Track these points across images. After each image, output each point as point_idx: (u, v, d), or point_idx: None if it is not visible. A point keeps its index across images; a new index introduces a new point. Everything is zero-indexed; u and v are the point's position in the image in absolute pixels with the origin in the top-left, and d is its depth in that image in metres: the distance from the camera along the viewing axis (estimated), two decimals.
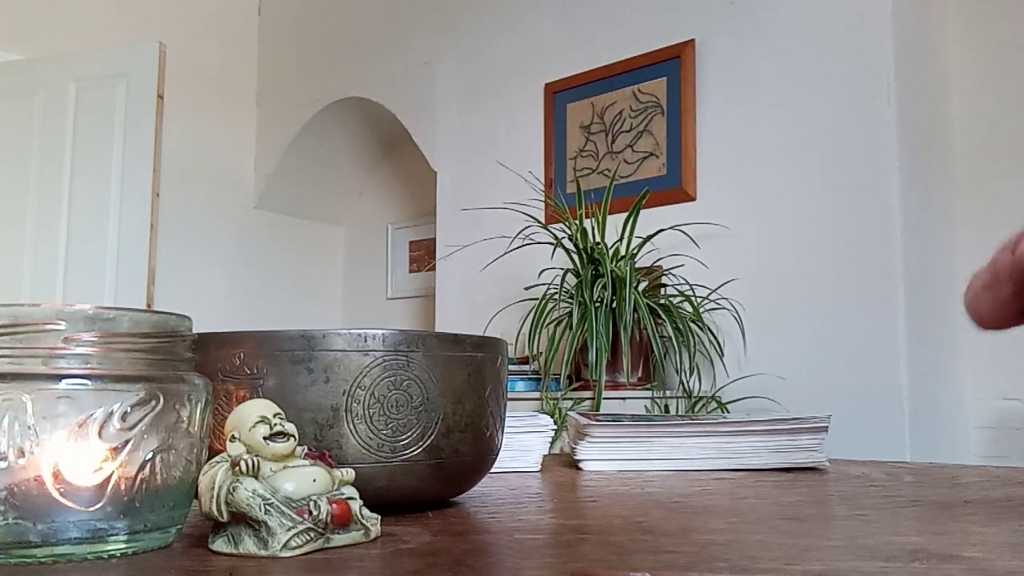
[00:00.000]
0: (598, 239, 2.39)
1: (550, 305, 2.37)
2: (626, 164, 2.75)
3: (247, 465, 0.41)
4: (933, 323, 2.33)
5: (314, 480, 0.43)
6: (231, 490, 0.41)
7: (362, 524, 0.44)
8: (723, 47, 2.58)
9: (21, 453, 0.38)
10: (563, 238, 2.45)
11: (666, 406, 2.26)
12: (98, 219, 2.97)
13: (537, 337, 2.34)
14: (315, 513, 0.41)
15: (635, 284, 2.30)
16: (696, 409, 2.25)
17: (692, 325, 2.34)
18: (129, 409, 0.40)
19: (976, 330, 0.32)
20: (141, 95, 2.98)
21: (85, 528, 0.39)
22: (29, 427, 0.38)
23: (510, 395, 1.48)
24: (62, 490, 0.39)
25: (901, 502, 0.60)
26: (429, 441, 0.54)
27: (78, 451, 0.39)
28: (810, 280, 2.34)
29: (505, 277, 2.81)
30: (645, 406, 2.25)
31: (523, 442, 0.85)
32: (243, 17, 3.89)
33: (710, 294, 2.43)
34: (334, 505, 0.42)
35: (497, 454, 0.61)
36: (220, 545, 0.41)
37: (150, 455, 0.41)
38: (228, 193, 3.78)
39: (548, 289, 2.39)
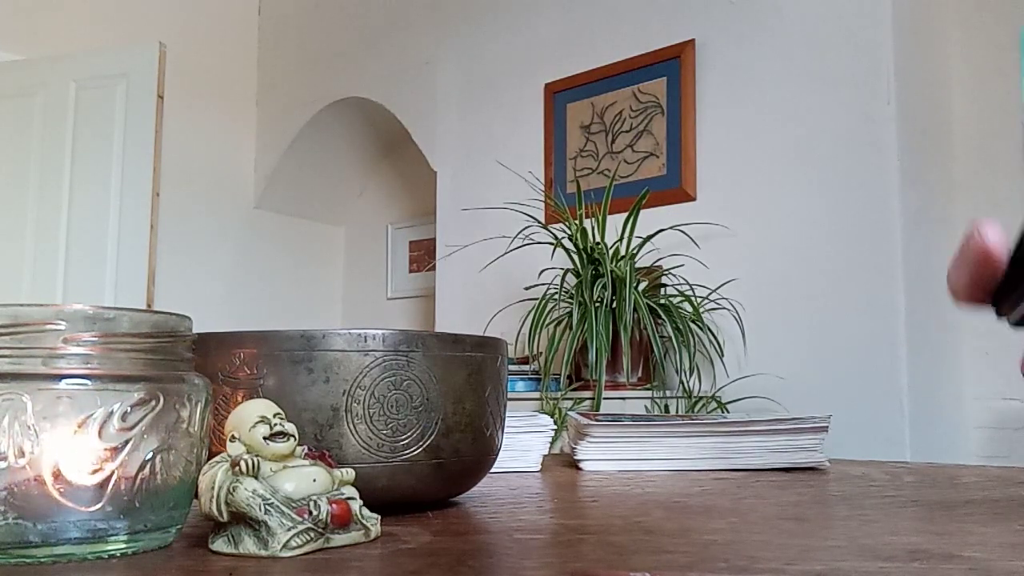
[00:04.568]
0: (598, 239, 2.39)
1: (550, 305, 2.37)
2: (626, 164, 2.75)
3: (247, 465, 0.41)
4: (933, 323, 2.33)
5: (314, 480, 0.43)
6: (231, 490, 0.41)
7: (362, 524, 0.44)
8: (723, 47, 2.58)
9: (21, 453, 0.38)
10: (563, 238, 2.45)
11: (666, 406, 2.26)
12: (98, 219, 2.97)
13: (537, 337, 2.34)
14: (315, 513, 0.41)
15: (635, 284, 2.30)
16: (696, 409, 2.25)
17: (692, 325, 2.34)
18: (129, 409, 0.40)
19: (954, 303, 0.34)
20: (141, 95, 2.98)
21: (85, 528, 0.39)
22: (29, 427, 0.38)
23: (510, 395, 1.48)
24: (62, 490, 0.39)
25: (901, 502, 0.60)
26: (429, 441, 0.53)
27: (78, 451, 0.39)
28: (810, 280, 2.34)
29: (505, 277, 2.81)
30: (645, 406, 2.25)
31: (523, 442, 0.85)
32: (243, 17, 3.89)
33: (710, 294, 2.43)
34: (334, 505, 0.42)
35: (497, 454, 0.61)
36: (220, 545, 0.41)
37: (150, 455, 0.41)
38: (228, 193, 3.78)
39: (548, 289, 2.39)
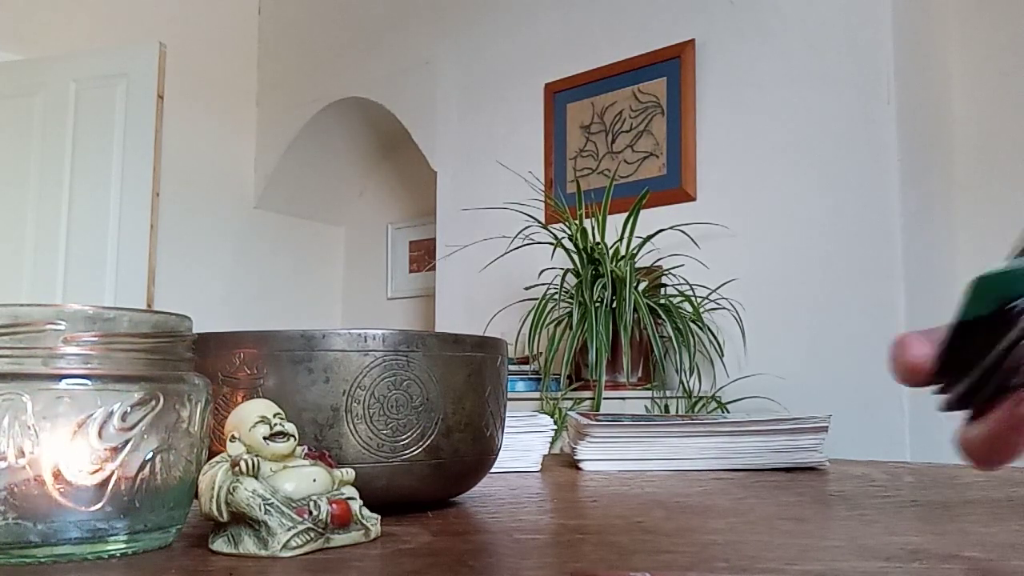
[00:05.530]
0: (598, 239, 2.39)
1: (550, 305, 2.37)
2: (626, 164, 2.75)
3: (247, 465, 0.41)
4: (933, 323, 2.32)
5: (314, 480, 0.43)
6: (231, 490, 0.41)
7: (362, 524, 0.44)
8: (723, 47, 2.58)
9: (21, 453, 0.38)
10: (563, 238, 2.45)
11: (666, 406, 2.26)
12: (98, 219, 2.97)
13: (537, 337, 2.34)
14: (315, 513, 0.41)
15: (635, 284, 2.30)
16: (696, 409, 2.25)
17: (692, 325, 2.34)
18: (129, 409, 0.40)
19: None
20: (141, 95, 2.99)
21: (85, 528, 0.39)
22: (29, 427, 0.38)
23: (510, 395, 1.48)
24: (62, 490, 0.39)
25: (901, 502, 0.60)
26: (429, 441, 0.53)
27: (78, 451, 0.39)
28: (810, 280, 2.34)
29: (505, 277, 2.81)
30: (645, 406, 2.25)
31: (523, 442, 0.85)
32: (243, 17, 3.89)
33: (710, 294, 2.43)
34: (334, 505, 0.42)
35: (497, 454, 0.61)
36: (220, 545, 0.41)
37: (150, 455, 0.41)
38: (228, 193, 3.78)
39: (548, 289, 2.39)
